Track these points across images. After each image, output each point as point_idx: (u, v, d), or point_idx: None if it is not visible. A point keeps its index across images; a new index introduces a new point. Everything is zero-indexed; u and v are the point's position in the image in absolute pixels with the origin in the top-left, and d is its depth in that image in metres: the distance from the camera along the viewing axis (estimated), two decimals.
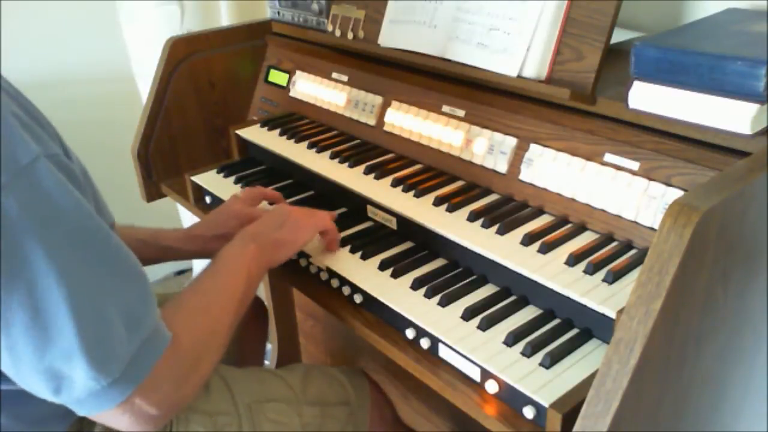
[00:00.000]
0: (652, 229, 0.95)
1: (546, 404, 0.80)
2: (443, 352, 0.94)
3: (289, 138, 1.43)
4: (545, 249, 0.98)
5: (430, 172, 1.24)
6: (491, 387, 0.87)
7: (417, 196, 1.16)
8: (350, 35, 1.42)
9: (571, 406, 0.79)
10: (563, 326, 0.94)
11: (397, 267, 1.07)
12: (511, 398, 0.85)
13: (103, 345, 0.75)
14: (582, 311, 0.90)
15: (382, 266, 1.08)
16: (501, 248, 1.00)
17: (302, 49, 1.56)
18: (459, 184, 1.19)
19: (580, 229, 1.03)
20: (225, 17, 2.14)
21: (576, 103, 1.05)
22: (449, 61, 1.21)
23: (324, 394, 1.18)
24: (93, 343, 0.74)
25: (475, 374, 0.89)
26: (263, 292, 1.81)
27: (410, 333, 0.98)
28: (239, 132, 1.50)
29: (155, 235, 1.21)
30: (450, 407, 0.99)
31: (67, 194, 0.75)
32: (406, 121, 1.29)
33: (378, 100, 1.36)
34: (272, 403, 1.11)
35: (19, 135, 0.73)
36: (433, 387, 0.94)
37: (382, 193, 1.19)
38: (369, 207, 1.21)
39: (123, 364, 0.76)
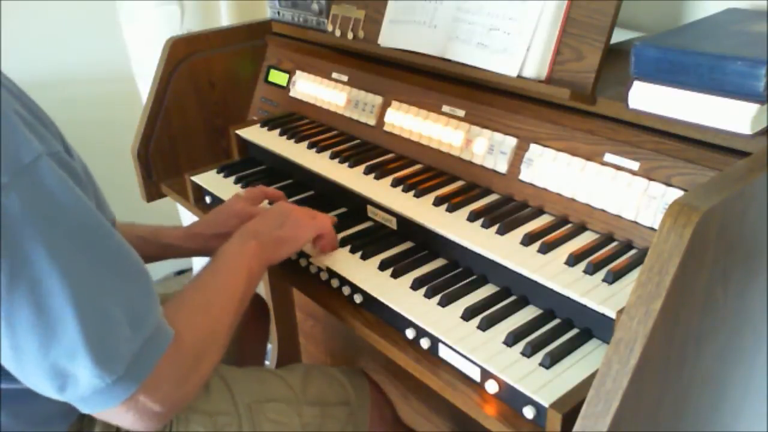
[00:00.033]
0: (652, 229, 0.95)
1: (546, 404, 0.80)
2: (443, 352, 0.94)
3: (289, 138, 1.43)
4: (545, 249, 0.98)
5: (430, 172, 1.24)
6: (491, 387, 0.87)
7: (417, 196, 1.16)
8: (350, 35, 1.42)
9: (571, 406, 0.79)
10: (563, 326, 0.94)
11: (397, 267, 1.07)
12: (511, 398, 0.85)
13: (106, 342, 0.75)
14: (582, 311, 0.90)
15: (382, 266, 1.08)
16: (501, 248, 1.00)
17: (302, 49, 1.56)
18: (459, 184, 1.19)
19: (580, 229, 1.03)
20: (225, 17, 2.14)
21: (576, 103, 1.05)
22: (449, 61, 1.21)
23: (324, 394, 1.18)
24: (96, 340, 0.74)
25: (475, 374, 0.89)
26: (264, 291, 1.81)
27: (410, 333, 0.98)
28: (239, 132, 1.50)
29: (155, 233, 1.21)
30: (450, 407, 0.99)
31: (69, 192, 0.75)
32: (406, 121, 1.29)
33: (378, 100, 1.36)
34: (272, 403, 1.11)
35: (21, 133, 0.73)
36: (433, 387, 0.94)
37: (382, 193, 1.19)
38: (369, 207, 1.21)
39: (127, 361, 0.77)
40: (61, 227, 0.74)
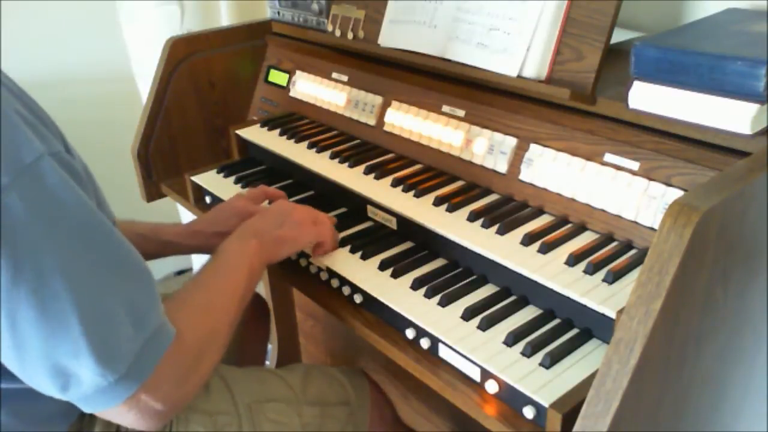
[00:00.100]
0: (652, 229, 0.95)
1: (546, 404, 0.80)
2: (443, 352, 0.94)
3: (289, 138, 1.43)
4: (545, 249, 0.98)
5: (430, 172, 1.24)
6: (491, 387, 0.87)
7: (417, 196, 1.16)
8: (350, 35, 1.42)
9: (571, 406, 0.79)
10: (563, 326, 0.94)
11: (397, 267, 1.07)
12: (511, 398, 0.85)
13: (109, 342, 0.75)
14: (582, 311, 0.90)
15: (382, 266, 1.08)
16: (501, 248, 1.00)
17: (302, 49, 1.56)
18: (459, 184, 1.19)
19: (580, 229, 1.03)
20: (225, 17, 2.14)
21: (576, 103, 1.05)
22: (449, 61, 1.21)
23: (324, 394, 1.18)
24: (99, 340, 0.74)
25: (475, 374, 0.89)
26: (264, 291, 1.81)
27: (410, 333, 0.98)
28: (239, 132, 1.50)
29: (155, 230, 1.21)
30: (450, 407, 0.99)
31: (70, 192, 0.75)
32: (406, 121, 1.29)
33: (378, 100, 1.36)
34: (272, 403, 1.11)
35: (23, 133, 0.73)
36: (433, 387, 0.94)
37: (382, 193, 1.19)
38: (369, 207, 1.21)
39: (129, 360, 0.77)
40: (62, 227, 0.74)
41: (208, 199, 1.42)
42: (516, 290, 1.01)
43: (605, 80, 1.05)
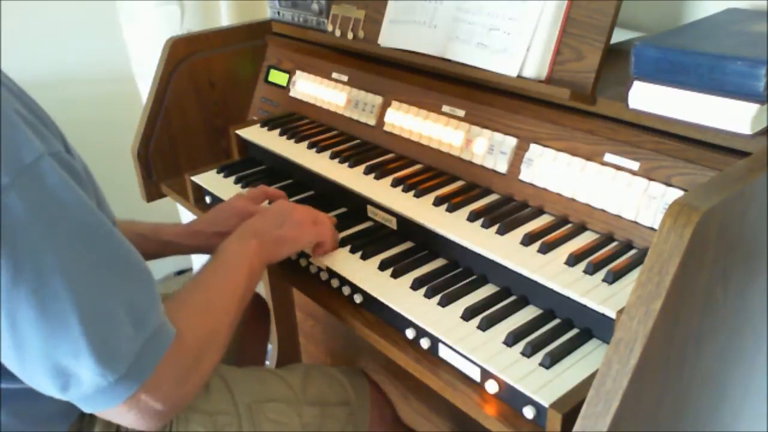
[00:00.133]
0: (652, 229, 0.95)
1: (546, 404, 0.80)
2: (443, 352, 0.94)
3: (289, 138, 1.43)
4: (545, 249, 0.98)
5: (430, 172, 1.24)
6: (491, 387, 0.87)
7: (417, 196, 1.16)
8: (350, 35, 1.42)
9: (571, 406, 0.79)
10: (563, 326, 0.94)
11: (397, 267, 1.07)
12: (511, 398, 0.85)
13: (109, 342, 0.75)
14: (582, 311, 0.90)
15: (382, 266, 1.08)
16: (501, 248, 1.00)
17: (302, 49, 1.56)
18: (459, 184, 1.19)
19: (580, 229, 1.03)
20: (225, 17, 2.14)
21: (576, 103, 1.05)
22: (449, 61, 1.21)
23: (324, 394, 1.18)
24: (99, 340, 0.74)
25: (475, 374, 0.89)
26: (264, 291, 1.81)
27: (410, 333, 0.98)
28: (239, 132, 1.50)
29: (155, 230, 1.21)
30: (450, 407, 0.99)
31: (70, 192, 0.75)
32: (406, 121, 1.29)
33: (378, 100, 1.36)
34: (272, 403, 1.11)
35: (23, 133, 0.73)
36: (433, 387, 0.94)
37: (382, 193, 1.19)
38: (369, 207, 1.21)
39: (129, 360, 0.77)
40: (62, 227, 0.74)
41: (208, 199, 1.42)
42: (516, 290, 1.01)
43: (605, 80, 1.05)
